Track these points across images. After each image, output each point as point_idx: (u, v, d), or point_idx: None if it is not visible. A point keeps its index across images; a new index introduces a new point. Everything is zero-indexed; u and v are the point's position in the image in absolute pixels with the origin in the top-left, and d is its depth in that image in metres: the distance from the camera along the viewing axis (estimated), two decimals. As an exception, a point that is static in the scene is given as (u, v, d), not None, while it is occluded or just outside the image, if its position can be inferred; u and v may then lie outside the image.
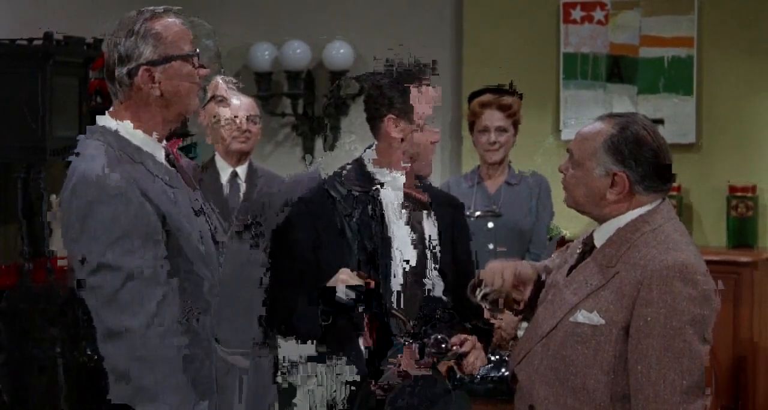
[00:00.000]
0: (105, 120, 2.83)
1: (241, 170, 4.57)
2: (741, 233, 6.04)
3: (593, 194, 2.90)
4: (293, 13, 6.84)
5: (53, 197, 5.32)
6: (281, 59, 6.68)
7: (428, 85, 3.32)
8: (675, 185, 6.01)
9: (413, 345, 3.09)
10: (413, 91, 3.29)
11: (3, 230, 5.47)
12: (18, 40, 5.32)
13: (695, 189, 6.17)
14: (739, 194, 6.02)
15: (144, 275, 2.67)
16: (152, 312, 2.67)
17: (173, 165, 2.89)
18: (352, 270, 3.15)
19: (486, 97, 4.92)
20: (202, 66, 2.84)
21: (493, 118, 4.86)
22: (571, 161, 2.94)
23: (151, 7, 2.82)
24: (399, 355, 3.11)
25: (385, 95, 3.30)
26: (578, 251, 3.02)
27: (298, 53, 6.64)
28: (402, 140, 3.30)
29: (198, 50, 2.84)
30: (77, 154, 2.76)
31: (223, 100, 4.26)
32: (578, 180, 2.92)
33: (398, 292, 3.20)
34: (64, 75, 5.37)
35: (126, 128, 2.79)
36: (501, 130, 4.85)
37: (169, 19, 2.82)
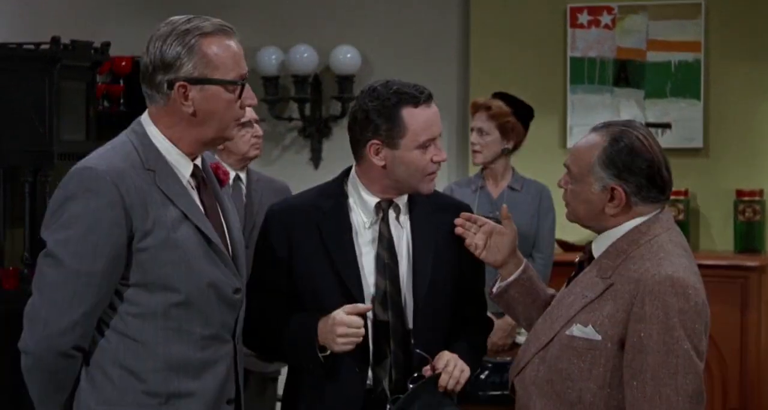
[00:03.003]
0: (145, 118, 2.75)
1: (243, 173, 4.57)
2: (748, 237, 6.03)
3: (593, 208, 2.87)
4: (300, 18, 6.85)
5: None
6: (288, 63, 6.69)
7: (425, 105, 3.04)
8: (682, 189, 6.07)
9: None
10: (405, 112, 3.02)
11: (11, 233, 5.48)
12: (25, 44, 5.33)
13: (702, 193, 6.16)
14: (746, 198, 6.02)
15: (87, 281, 2.61)
16: (74, 320, 2.61)
17: (203, 180, 2.80)
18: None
19: (476, 99, 5.04)
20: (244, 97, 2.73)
21: (477, 119, 4.97)
22: (569, 175, 2.92)
23: (214, 21, 2.70)
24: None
25: (371, 120, 3.03)
26: (576, 260, 3.01)
27: (305, 57, 6.65)
28: (384, 167, 3.06)
29: (245, 81, 2.73)
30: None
31: (247, 124, 4.35)
32: (577, 195, 2.89)
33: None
34: (71, 79, 5.38)
35: (153, 132, 2.72)
36: (481, 131, 4.91)
37: (227, 42, 2.70)
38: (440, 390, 2.98)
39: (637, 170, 2.82)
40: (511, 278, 3.09)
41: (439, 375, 2.98)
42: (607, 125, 2.90)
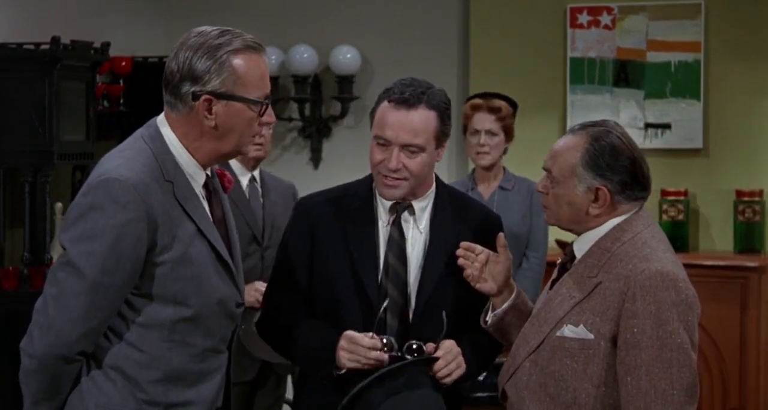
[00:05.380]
0: (163, 122, 2.73)
1: (256, 173, 4.59)
2: (748, 237, 6.03)
3: (577, 210, 2.88)
4: (300, 18, 6.85)
5: (58, 205, 5.33)
6: (288, 63, 6.69)
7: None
8: (682, 189, 6.08)
9: None
10: None
11: (10, 233, 5.48)
12: (25, 44, 5.34)
13: (702, 194, 6.16)
14: (746, 198, 6.02)
15: (105, 294, 2.60)
16: (87, 330, 2.60)
17: (213, 190, 2.81)
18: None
19: (477, 101, 5.02)
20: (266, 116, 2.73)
21: (483, 120, 4.93)
22: (549, 178, 2.91)
23: (246, 37, 2.69)
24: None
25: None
26: (558, 262, 3.01)
27: (305, 57, 6.65)
28: None
29: (268, 101, 2.72)
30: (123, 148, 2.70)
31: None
32: (560, 199, 2.89)
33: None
34: (71, 79, 5.38)
35: (171, 140, 2.71)
36: (490, 133, 4.91)
37: (257, 60, 2.69)
38: (431, 374, 2.97)
39: (620, 168, 2.84)
40: (507, 304, 3.05)
41: (437, 359, 2.98)
42: (584, 126, 2.92)
